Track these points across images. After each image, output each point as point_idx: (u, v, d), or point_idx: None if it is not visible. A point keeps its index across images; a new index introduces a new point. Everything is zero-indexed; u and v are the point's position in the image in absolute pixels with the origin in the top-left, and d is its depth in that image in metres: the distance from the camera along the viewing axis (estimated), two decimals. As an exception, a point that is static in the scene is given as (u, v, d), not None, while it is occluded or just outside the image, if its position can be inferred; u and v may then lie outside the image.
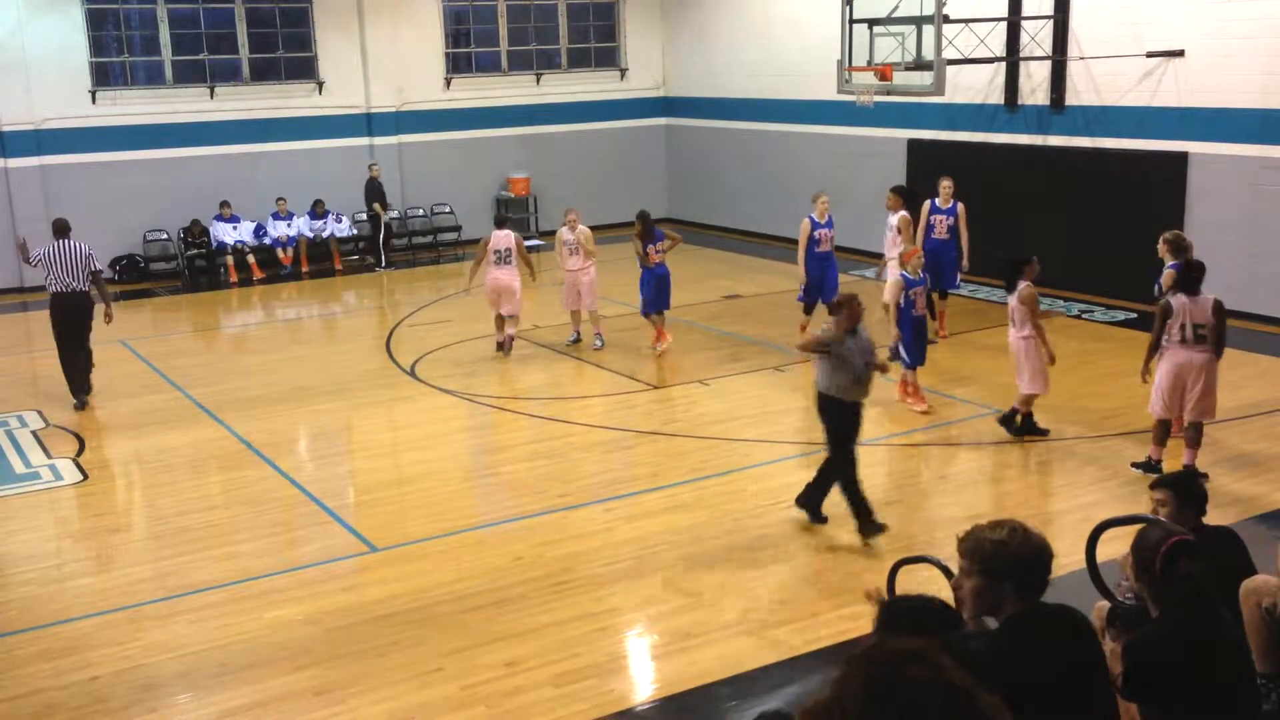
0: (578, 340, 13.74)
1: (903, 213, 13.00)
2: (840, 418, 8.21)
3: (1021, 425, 10.03)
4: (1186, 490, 5.48)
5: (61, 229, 12.28)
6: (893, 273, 12.75)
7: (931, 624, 3.55)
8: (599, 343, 13.63)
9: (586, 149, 21.87)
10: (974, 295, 15.32)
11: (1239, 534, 5.61)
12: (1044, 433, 9.99)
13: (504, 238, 13.62)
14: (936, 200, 13.20)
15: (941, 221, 13.11)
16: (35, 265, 12.34)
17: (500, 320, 13.54)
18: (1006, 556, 3.72)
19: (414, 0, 20.42)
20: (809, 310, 13.20)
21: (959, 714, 1.94)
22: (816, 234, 13.05)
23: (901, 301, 10.93)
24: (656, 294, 13.28)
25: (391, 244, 19.89)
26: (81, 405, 12.02)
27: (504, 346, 13.46)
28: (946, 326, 13.59)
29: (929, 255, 12.95)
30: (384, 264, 19.56)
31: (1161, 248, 9.81)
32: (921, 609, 3.69)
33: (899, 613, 3.69)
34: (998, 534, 3.76)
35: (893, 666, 2.00)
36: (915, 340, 10.96)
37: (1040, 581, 3.78)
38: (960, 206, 13.08)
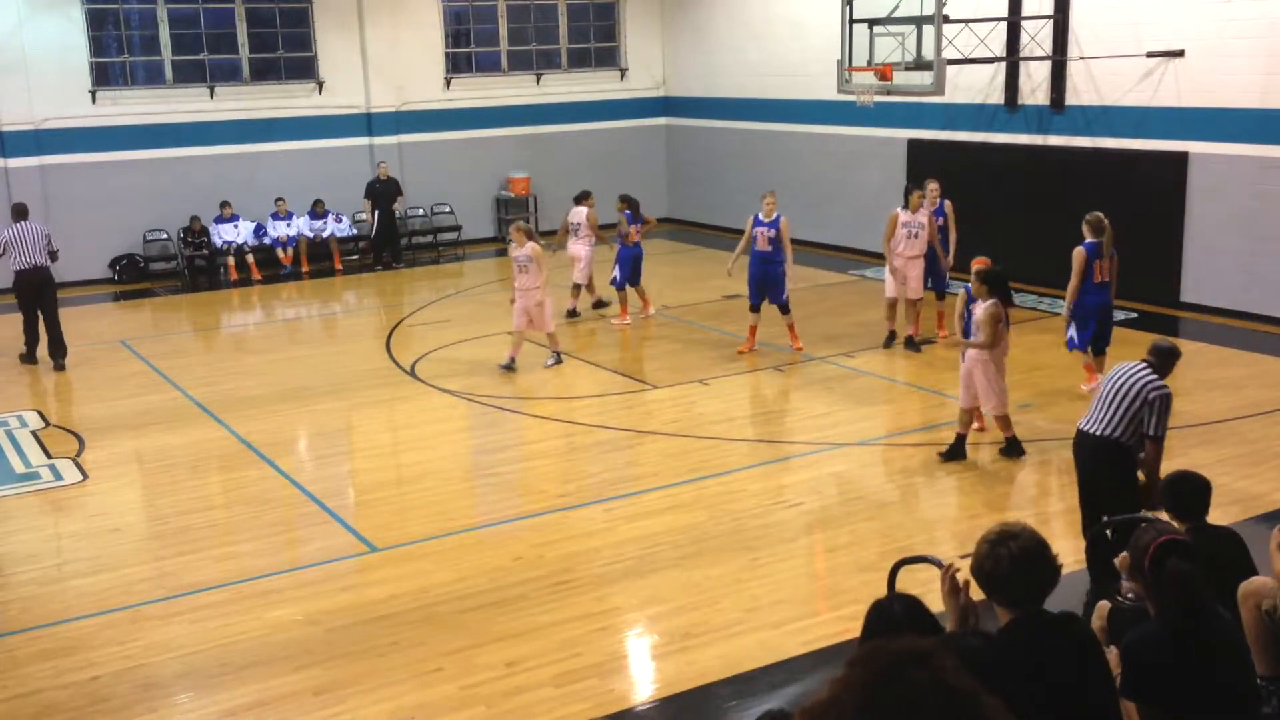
0: (559, 361, 12.88)
1: (927, 212, 12.99)
2: (1133, 471, 7.24)
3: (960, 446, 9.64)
4: (1170, 489, 5.51)
5: (22, 212, 13.72)
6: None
7: (901, 625, 3.54)
8: (551, 360, 12.83)
9: (586, 149, 21.86)
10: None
11: (1239, 534, 5.62)
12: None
13: (577, 213, 15.31)
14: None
15: (932, 223, 13.04)
16: (1, 250, 13.44)
17: (575, 288, 15.18)
18: (999, 576, 3.73)
19: (414, 0, 20.42)
20: (754, 309, 13.04)
21: (957, 717, 1.93)
22: (755, 231, 12.88)
23: (964, 315, 10.18)
24: (632, 271, 14.67)
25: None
26: (60, 367, 13.41)
27: (573, 313, 15.16)
28: (945, 326, 13.57)
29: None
30: (400, 262, 19.60)
31: (1084, 228, 11.07)
32: (900, 619, 3.67)
33: (876, 614, 3.67)
34: (988, 551, 3.76)
35: (892, 668, 1.99)
36: None
37: (1031, 597, 3.77)
38: (948, 204, 13.00)
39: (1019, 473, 9.65)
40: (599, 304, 15.60)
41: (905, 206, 13.01)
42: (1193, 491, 5.47)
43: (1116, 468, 7.15)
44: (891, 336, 13.21)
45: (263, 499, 9.42)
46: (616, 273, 14.81)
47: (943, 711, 1.93)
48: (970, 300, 10.12)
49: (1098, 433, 7.18)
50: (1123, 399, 7.11)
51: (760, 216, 12.88)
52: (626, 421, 11.07)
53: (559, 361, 12.87)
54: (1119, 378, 7.20)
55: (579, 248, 15.14)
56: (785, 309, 13.03)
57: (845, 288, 16.59)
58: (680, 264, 18.60)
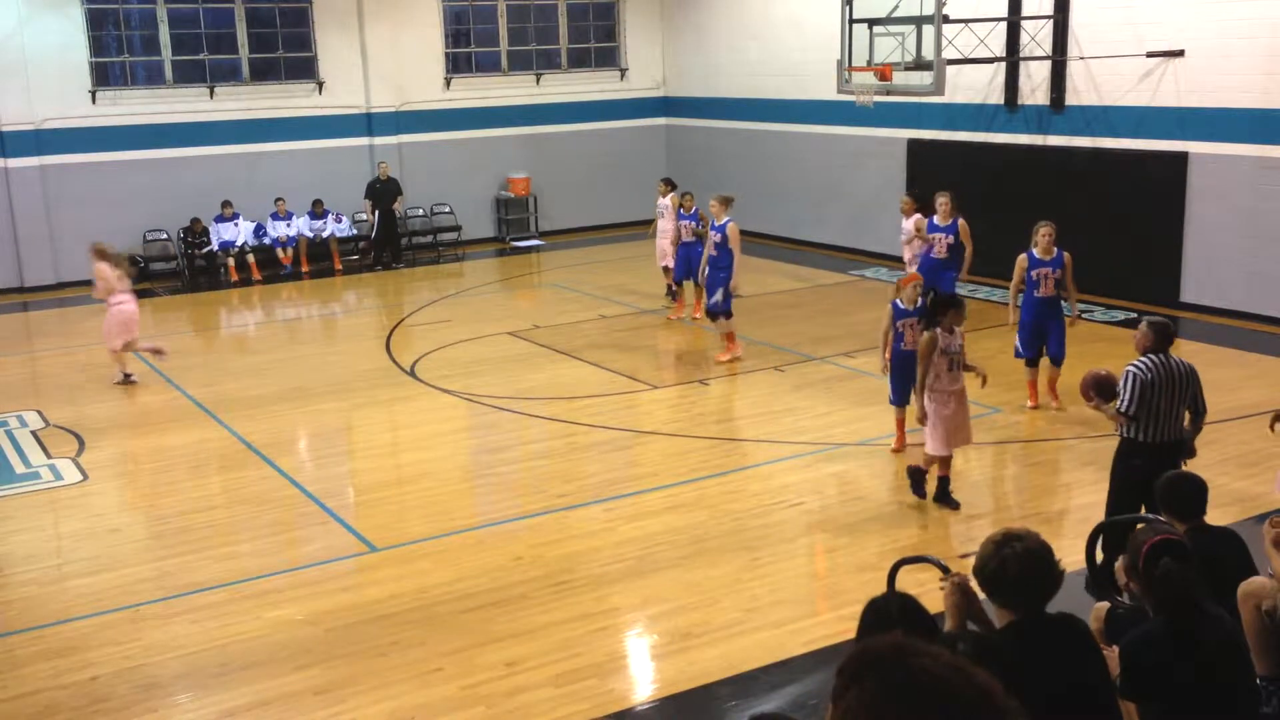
0: (124, 380, 12.76)
1: (917, 216, 12.98)
2: None
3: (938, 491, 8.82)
4: (1167, 491, 5.53)
5: None
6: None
7: (897, 623, 3.54)
8: (119, 377, 12.75)
9: (586, 149, 21.87)
10: (973, 295, 15.30)
11: (1239, 534, 5.62)
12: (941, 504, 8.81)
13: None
14: (1034, 253, 10.83)
15: (1046, 277, 10.77)
16: None
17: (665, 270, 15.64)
18: (1002, 577, 3.73)
19: (414, 0, 20.42)
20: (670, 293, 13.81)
21: (968, 693, 1.92)
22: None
23: (890, 333, 9.79)
24: (683, 267, 14.70)
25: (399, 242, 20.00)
26: None
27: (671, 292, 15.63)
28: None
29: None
30: (400, 262, 19.61)
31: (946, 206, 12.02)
32: (897, 616, 3.65)
33: (873, 613, 3.67)
34: (992, 552, 3.76)
35: (896, 664, 1.98)
36: (900, 377, 9.67)
37: (1033, 601, 3.77)
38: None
39: (1019, 474, 9.65)
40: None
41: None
42: (1190, 492, 5.47)
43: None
44: None
45: (263, 499, 9.42)
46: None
47: (953, 689, 1.91)
48: (898, 316, 9.66)
49: (1175, 438, 7.08)
50: (1184, 395, 7.03)
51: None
52: (626, 421, 11.07)
53: (123, 381, 12.71)
54: (1164, 378, 6.94)
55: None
56: (711, 315, 12.90)
57: (845, 288, 16.59)
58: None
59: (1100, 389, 7.31)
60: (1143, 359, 7.08)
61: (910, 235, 13.24)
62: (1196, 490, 5.48)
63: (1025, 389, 11.05)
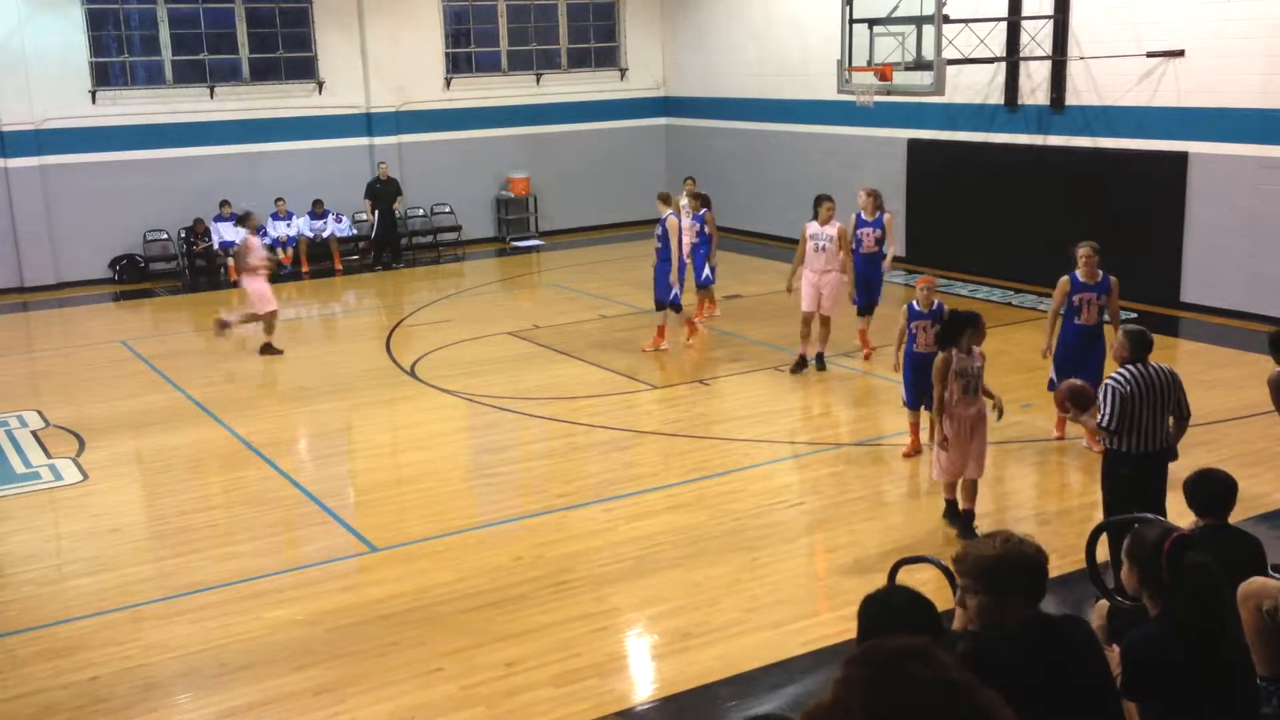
0: None
1: (839, 224, 12.59)
2: None
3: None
4: (1195, 486, 5.52)
5: None
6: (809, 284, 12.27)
7: (911, 626, 3.53)
8: None
9: (586, 149, 21.87)
10: (973, 295, 15.32)
11: (1256, 536, 5.61)
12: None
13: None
14: (1077, 276, 9.87)
15: (1090, 303, 9.82)
16: None
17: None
18: (1007, 569, 3.73)
19: (414, 0, 20.43)
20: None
21: (962, 710, 1.94)
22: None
23: (904, 334, 9.70)
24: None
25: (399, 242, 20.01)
26: None
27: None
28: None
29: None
30: (400, 262, 19.62)
31: (868, 201, 12.04)
32: (901, 609, 3.63)
33: (877, 607, 3.65)
34: (992, 548, 3.76)
35: (893, 664, 2.00)
36: (914, 379, 9.54)
37: (1040, 589, 3.78)
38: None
39: (1019, 474, 9.65)
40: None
41: (815, 218, 12.26)
42: (1216, 489, 5.48)
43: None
44: (801, 361, 12.32)
45: (263, 499, 9.42)
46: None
47: (946, 704, 1.93)
48: (913, 317, 9.55)
49: (1161, 446, 6.98)
50: (1167, 402, 6.92)
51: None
52: (626, 421, 11.07)
53: None
54: (1144, 389, 6.83)
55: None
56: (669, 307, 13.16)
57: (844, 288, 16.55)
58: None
59: (1076, 399, 7.14)
60: (1121, 371, 6.91)
61: (828, 242, 12.14)
62: (1222, 487, 5.48)
63: (1025, 390, 11.04)
